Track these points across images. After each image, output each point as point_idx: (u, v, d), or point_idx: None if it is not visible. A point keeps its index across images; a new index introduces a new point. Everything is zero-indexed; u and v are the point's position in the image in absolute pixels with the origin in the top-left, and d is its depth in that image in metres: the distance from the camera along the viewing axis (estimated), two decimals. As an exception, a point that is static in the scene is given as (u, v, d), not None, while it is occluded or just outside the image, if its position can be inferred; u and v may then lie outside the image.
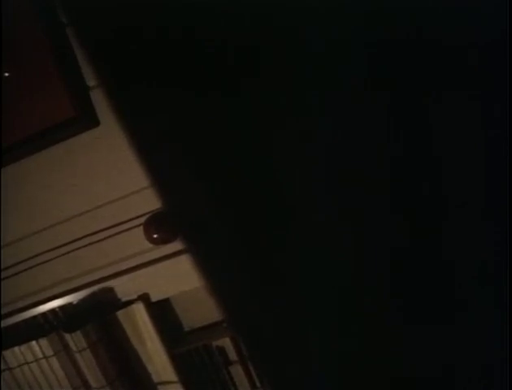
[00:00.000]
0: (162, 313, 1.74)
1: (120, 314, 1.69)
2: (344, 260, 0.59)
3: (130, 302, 1.68)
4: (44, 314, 1.72)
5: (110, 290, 1.70)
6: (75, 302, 1.70)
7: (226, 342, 1.72)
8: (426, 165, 0.56)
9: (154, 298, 1.70)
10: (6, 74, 1.56)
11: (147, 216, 1.59)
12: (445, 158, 0.56)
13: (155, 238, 1.56)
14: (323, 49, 0.53)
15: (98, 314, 1.68)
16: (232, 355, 1.73)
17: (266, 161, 0.56)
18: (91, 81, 1.57)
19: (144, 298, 1.67)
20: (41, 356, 1.65)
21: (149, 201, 1.57)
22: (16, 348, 1.66)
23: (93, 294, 1.69)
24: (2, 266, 1.75)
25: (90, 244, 1.70)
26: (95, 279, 1.71)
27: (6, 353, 1.67)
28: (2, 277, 1.75)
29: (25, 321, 1.72)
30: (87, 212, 1.68)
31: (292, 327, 0.62)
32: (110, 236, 1.68)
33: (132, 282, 1.68)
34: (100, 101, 1.57)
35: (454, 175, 0.57)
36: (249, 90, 0.55)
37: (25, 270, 1.74)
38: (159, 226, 1.55)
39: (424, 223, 0.58)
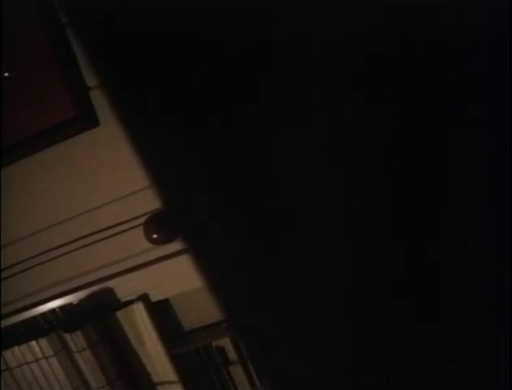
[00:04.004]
0: (162, 313, 1.74)
1: (120, 314, 1.69)
2: (346, 262, 0.59)
3: (130, 302, 1.68)
4: (44, 314, 1.72)
5: (110, 290, 1.70)
6: (75, 302, 1.70)
7: (226, 342, 1.72)
8: (426, 168, 0.56)
9: (154, 298, 1.70)
10: (6, 74, 1.56)
11: (147, 216, 1.59)
12: (445, 160, 0.56)
13: (155, 238, 1.56)
14: (327, 51, 0.53)
15: (98, 314, 1.68)
16: (232, 355, 1.73)
17: (267, 160, 0.56)
18: (91, 81, 1.57)
19: (144, 298, 1.67)
20: (41, 356, 1.65)
21: (149, 201, 1.57)
22: (16, 348, 1.66)
23: (93, 294, 1.69)
24: (2, 266, 1.75)
25: (90, 244, 1.70)
26: (95, 279, 1.72)
27: (6, 353, 1.67)
28: (2, 277, 1.75)
29: (25, 321, 1.73)
30: (87, 212, 1.68)
31: (293, 327, 0.62)
32: (110, 236, 1.68)
33: (132, 282, 1.68)
34: (100, 101, 1.57)
35: (454, 178, 0.57)
36: (249, 90, 0.55)
37: (25, 270, 1.74)
38: (159, 226, 1.56)
39: (425, 228, 0.58)
